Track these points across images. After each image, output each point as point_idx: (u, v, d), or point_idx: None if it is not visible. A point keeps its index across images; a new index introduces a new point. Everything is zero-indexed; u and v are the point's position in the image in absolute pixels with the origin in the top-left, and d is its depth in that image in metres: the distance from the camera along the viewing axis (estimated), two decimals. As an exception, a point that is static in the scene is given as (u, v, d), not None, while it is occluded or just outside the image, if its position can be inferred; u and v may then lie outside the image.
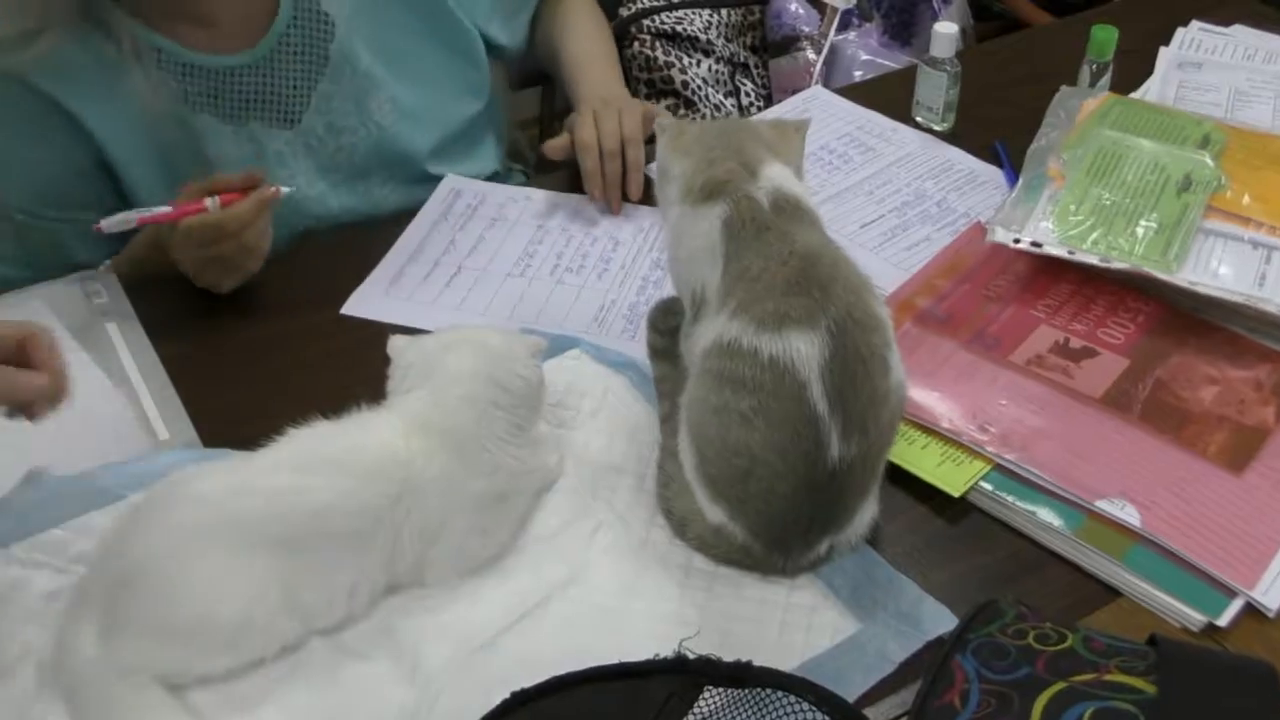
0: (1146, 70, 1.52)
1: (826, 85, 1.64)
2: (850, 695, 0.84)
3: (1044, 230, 1.17)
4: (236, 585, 0.84)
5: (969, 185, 1.37)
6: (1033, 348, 1.11)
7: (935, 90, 1.43)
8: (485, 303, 1.23)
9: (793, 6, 1.77)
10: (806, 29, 1.76)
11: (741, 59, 1.81)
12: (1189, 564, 0.93)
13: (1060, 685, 0.57)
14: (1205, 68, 1.52)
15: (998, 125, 1.44)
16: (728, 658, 0.68)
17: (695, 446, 0.93)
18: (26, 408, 0.91)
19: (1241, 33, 1.59)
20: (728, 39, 1.80)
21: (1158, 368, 1.09)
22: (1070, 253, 1.15)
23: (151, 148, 1.24)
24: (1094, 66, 1.42)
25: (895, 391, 0.91)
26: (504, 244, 1.31)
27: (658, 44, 1.76)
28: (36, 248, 1.25)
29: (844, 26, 1.79)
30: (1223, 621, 0.90)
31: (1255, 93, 1.47)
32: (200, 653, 0.85)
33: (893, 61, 1.79)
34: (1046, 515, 0.97)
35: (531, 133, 2.08)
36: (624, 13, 1.80)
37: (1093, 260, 1.14)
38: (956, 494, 0.99)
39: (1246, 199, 1.18)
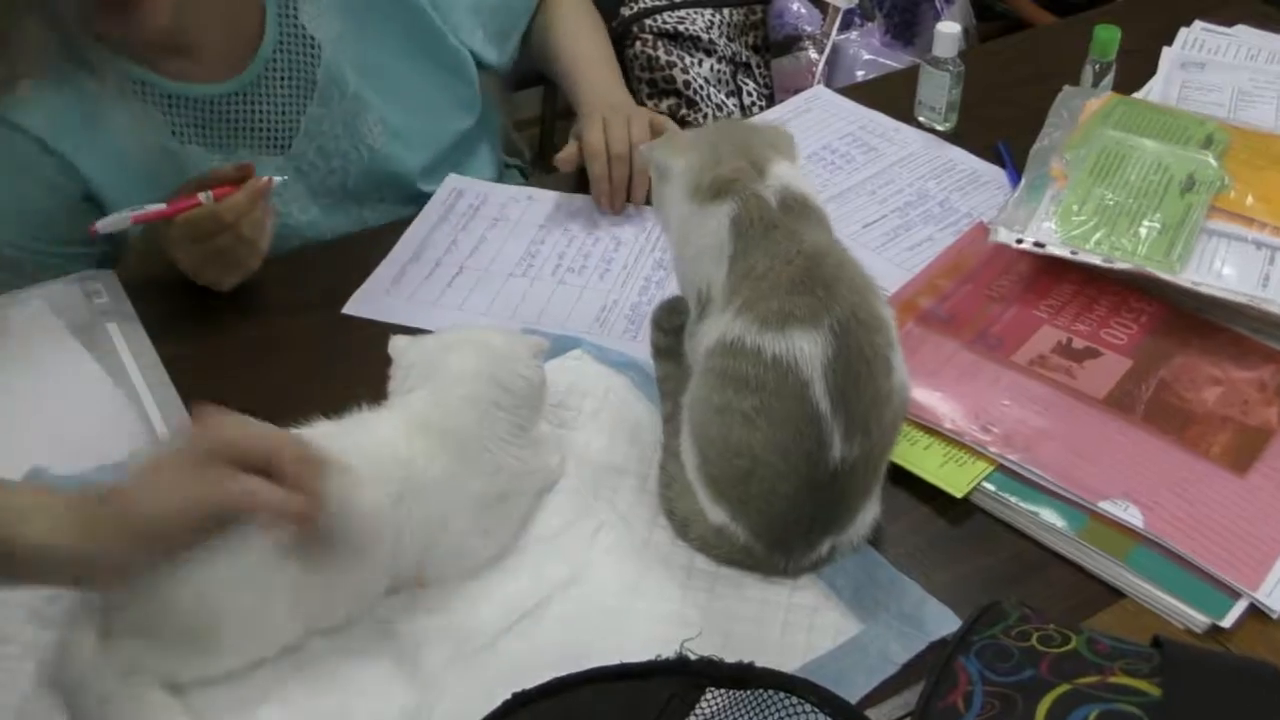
0: (1149, 70, 1.51)
1: (829, 85, 1.64)
2: (852, 696, 0.84)
3: (1047, 230, 1.17)
4: (239, 586, 0.84)
5: (971, 185, 1.36)
6: (1035, 348, 1.11)
7: (938, 90, 1.42)
8: (487, 303, 1.23)
9: (795, 6, 1.77)
10: (809, 28, 1.76)
11: (743, 59, 1.80)
12: (1192, 565, 0.92)
13: (1064, 687, 0.57)
14: (1208, 68, 1.52)
15: (1000, 125, 1.43)
16: (729, 659, 0.67)
17: (697, 446, 0.93)
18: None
19: (1244, 33, 1.59)
20: (730, 38, 1.80)
21: (1161, 368, 1.08)
22: (1073, 253, 1.14)
23: (140, 181, 1.23)
24: (1097, 66, 1.42)
25: (898, 392, 0.90)
26: (506, 244, 1.30)
27: (659, 43, 1.76)
28: (30, 279, 1.24)
29: (846, 26, 1.78)
30: (1226, 623, 0.89)
31: (1258, 93, 1.47)
32: (202, 654, 0.85)
33: (895, 61, 1.79)
34: (1049, 516, 0.97)
35: (532, 132, 2.07)
36: (626, 12, 1.79)
37: (1096, 261, 1.14)
38: (959, 495, 0.98)
39: (1250, 199, 1.18)
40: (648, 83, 1.76)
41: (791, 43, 1.76)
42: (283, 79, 1.29)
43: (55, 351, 1.14)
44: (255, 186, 1.15)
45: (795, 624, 0.90)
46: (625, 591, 0.93)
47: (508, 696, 0.76)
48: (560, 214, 1.35)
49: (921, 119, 1.46)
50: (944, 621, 0.88)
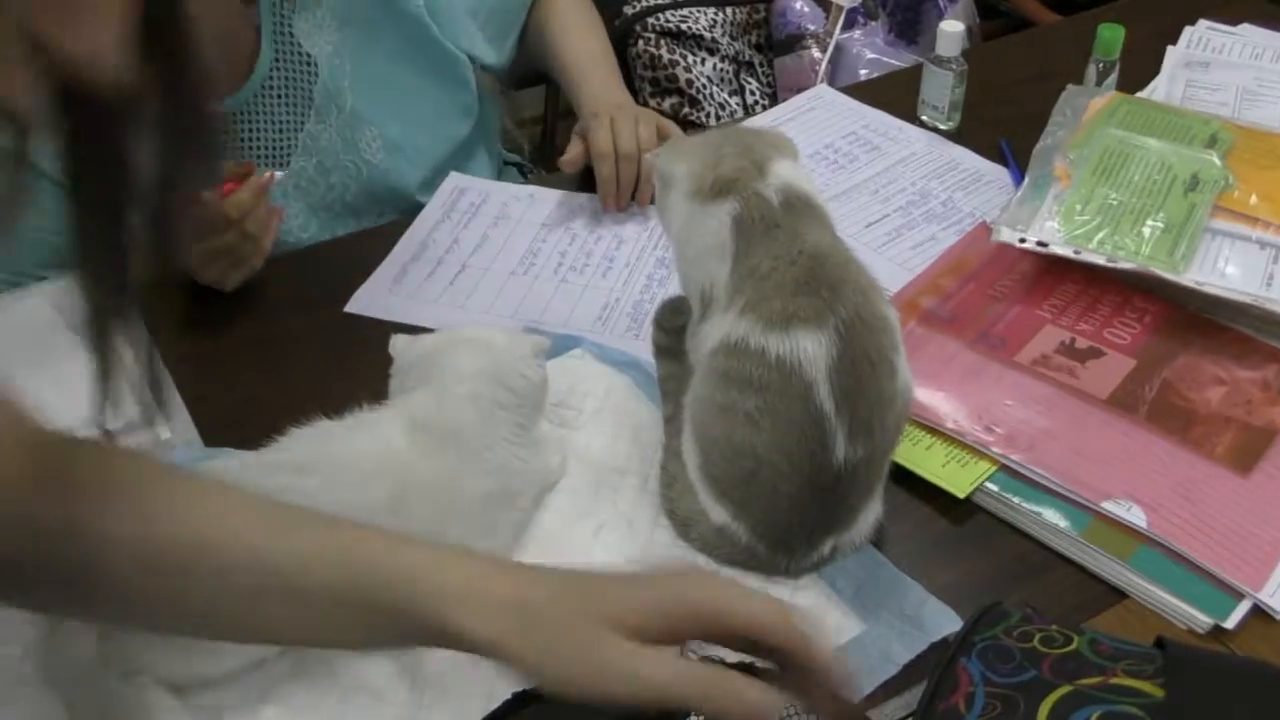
0: (1154, 69, 1.51)
1: (831, 84, 1.63)
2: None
3: (1050, 230, 1.16)
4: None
5: (974, 184, 1.36)
6: (1038, 348, 1.10)
7: (941, 89, 1.42)
8: (489, 301, 1.23)
9: (798, 5, 1.77)
10: (812, 27, 1.76)
11: (746, 57, 1.80)
12: (1196, 566, 0.92)
13: (1066, 689, 0.57)
14: (1213, 67, 1.51)
15: (1004, 124, 1.43)
16: (730, 659, 0.67)
17: (699, 446, 0.93)
18: None
19: (1249, 32, 1.59)
20: (733, 37, 1.79)
21: (1164, 368, 1.08)
22: (1076, 252, 1.14)
23: None
24: (1100, 65, 1.42)
25: (901, 395, 0.90)
26: (508, 242, 1.30)
27: (662, 42, 1.75)
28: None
29: (849, 25, 1.78)
30: (1230, 624, 0.89)
31: (1263, 92, 1.46)
32: (202, 654, 0.85)
33: (898, 60, 1.79)
34: (1052, 516, 0.96)
35: (534, 131, 2.07)
36: (629, 11, 1.79)
37: (1099, 260, 1.13)
38: (961, 495, 0.98)
39: (1254, 199, 1.18)
40: (650, 81, 1.76)
41: (794, 41, 1.76)
42: (279, 97, 1.29)
43: (55, 349, 1.14)
44: (259, 182, 1.15)
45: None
46: (626, 591, 0.93)
47: (508, 696, 0.75)
48: (562, 212, 1.35)
49: (924, 118, 1.45)
50: (946, 622, 0.88)
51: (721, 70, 1.77)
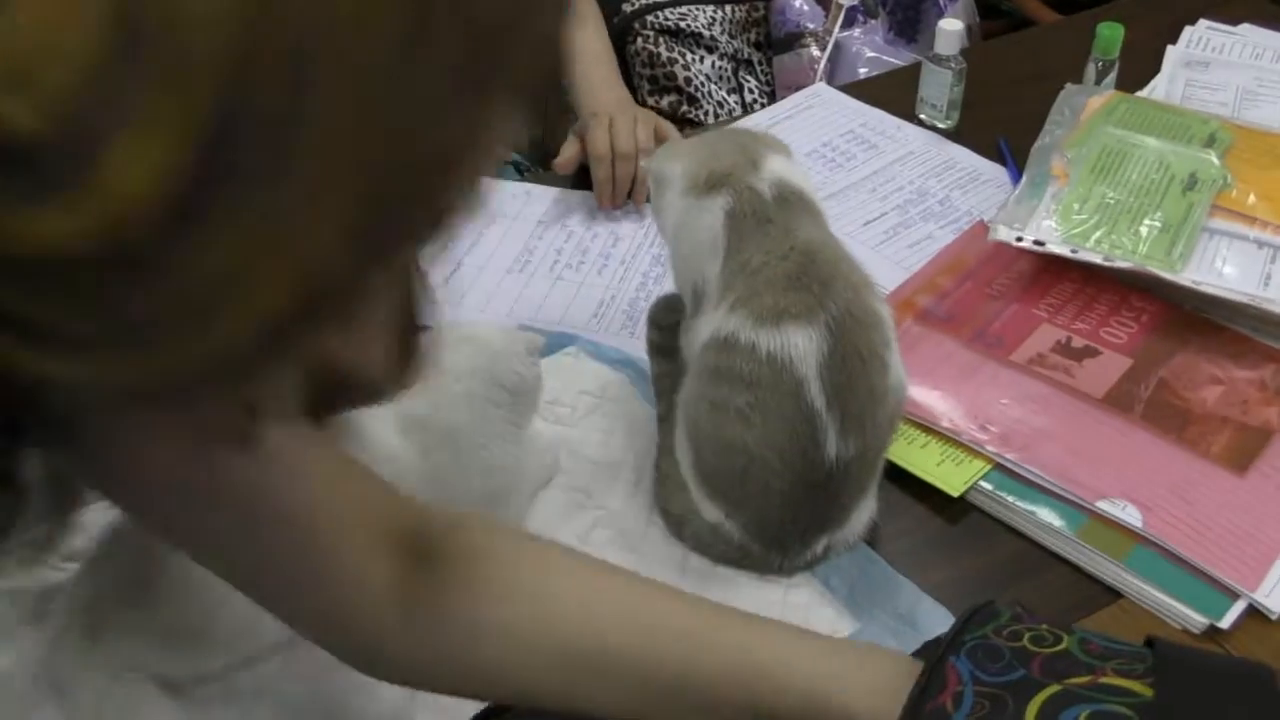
0: (1154, 69, 1.50)
1: (831, 82, 1.63)
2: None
3: (1047, 229, 1.16)
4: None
5: (972, 183, 1.36)
6: (1034, 346, 1.10)
7: (939, 87, 1.42)
8: (484, 299, 1.22)
9: (797, 3, 1.76)
10: (811, 25, 1.75)
11: (745, 55, 1.80)
12: (1191, 566, 0.92)
13: (1055, 688, 0.56)
14: (1213, 66, 1.51)
15: (1002, 123, 1.43)
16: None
17: (692, 443, 0.92)
18: None
19: (1250, 31, 1.58)
20: (731, 35, 1.79)
21: (1161, 367, 1.08)
22: (1073, 251, 1.14)
23: None
24: (1100, 64, 1.41)
25: (894, 392, 0.90)
26: (503, 240, 1.30)
27: (661, 40, 1.75)
28: None
29: (849, 23, 1.77)
30: (1225, 624, 0.89)
31: (1263, 92, 1.46)
32: (194, 652, 0.85)
33: (898, 59, 1.78)
34: (1047, 515, 0.96)
35: (531, 129, 2.06)
36: (627, 8, 1.79)
37: (1096, 259, 1.13)
38: (956, 493, 0.98)
39: (1252, 198, 1.17)
40: (648, 79, 1.76)
41: (794, 40, 1.75)
42: None
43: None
44: None
45: (790, 622, 0.89)
46: (619, 589, 0.92)
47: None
48: (558, 209, 1.34)
49: (923, 116, 1.45)
50: (939, 620, 0.87)
51: (720, 68, 1.77)
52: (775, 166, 0.94)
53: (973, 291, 1.17)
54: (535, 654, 0.69)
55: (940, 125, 1.44)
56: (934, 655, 0.62)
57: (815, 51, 1.74)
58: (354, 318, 0.43)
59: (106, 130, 0.33)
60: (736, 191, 0.91)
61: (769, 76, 1.81)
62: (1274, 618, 0.89)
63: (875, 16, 1.81)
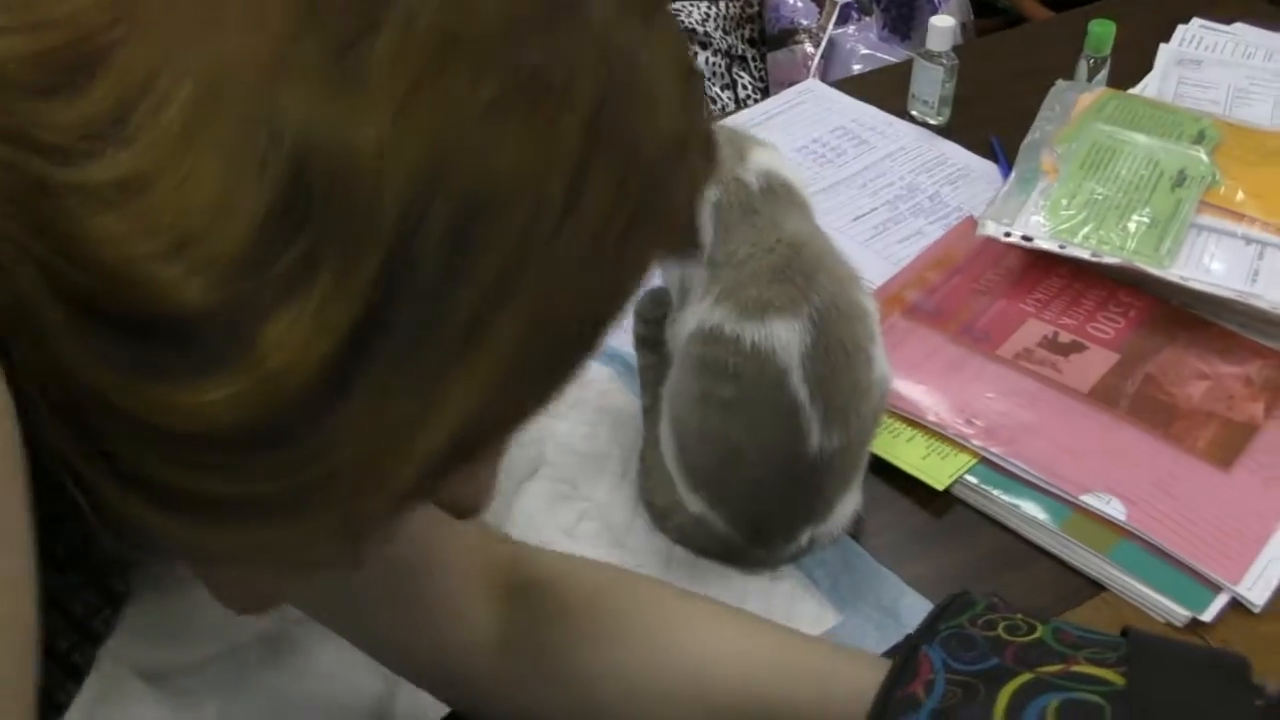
0: (1146, 66, 1.50)
1: (824, 79, 1.63)
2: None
3: (1035, 224, 1.16)
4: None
5: (963, 179, 1.36)
6: (1021, 341, 1.10)
7: (931, 84, 1.42)
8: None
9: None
10: (805, 22, 1.75)
11: (739, 51, 1.80)
12: (1175, 559, 0.92)
13: (1027, 676, 0.57)
14: (1205, 65, 1.51)
15: (993, 120, 1.42)
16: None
17: (676, 434, 0.92)
18: None
19: (1243, 30, 1.58)
20: (725, 31, 1.79)
21: (1147, 363, 1.08)
22: (1061, 247, 1.14)
23: None
24: (1091, 61, 1.41)
25: (878, 385, 0.90)
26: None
27: (655, 36, 1.75)
28: None
29: (843, 20, 1.78)
30: (1207, 617, 0.89)
31: (1255, 90, 1.46)
32: (175, 642, 0.85)
33: (892, 55, 1.78)
34: (1032, 509, 0.96)
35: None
36: (622, 5, 1.79)
37: (1084, 254, 1.13)
38: (941, 487, 0.98)
39: (1240, 195, 1.17)
40: (642, 75, 1.76)
41: (788, 36, 1.76)
42: None
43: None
44: None
45: (773, 615, 0.89)
46: (603, 581, 0.92)
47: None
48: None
49: (914, 113, 1.45)
50: (922, 614, 0.85)
51: (714, 64, 1.77)
52: (763, 158, 0.94)
53: (960, 286, 1.17)
54: (644, 696, 0.68)
55: (932, 121, 1.44)
56: (908, 644, 0.62)
57: (809, 48, 1.74)
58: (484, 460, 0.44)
59: (270, 304, 0.31)
60: (723, 183, 0.91)
61: (763, 73, 1.81)
62: (1256, 611, 0.90)
63: (869, 13, 1.81)
